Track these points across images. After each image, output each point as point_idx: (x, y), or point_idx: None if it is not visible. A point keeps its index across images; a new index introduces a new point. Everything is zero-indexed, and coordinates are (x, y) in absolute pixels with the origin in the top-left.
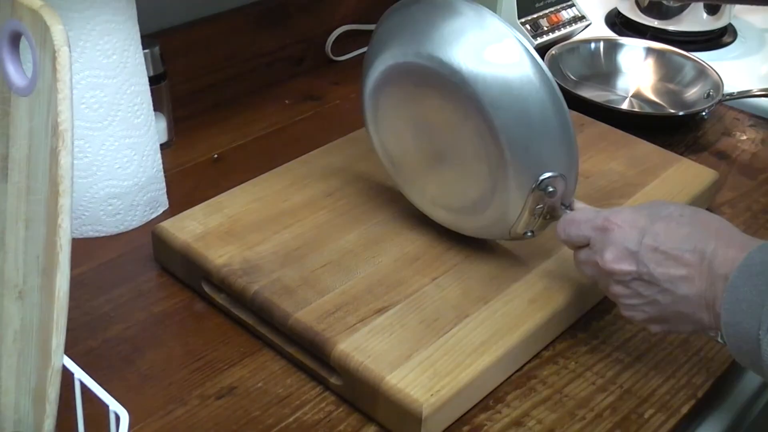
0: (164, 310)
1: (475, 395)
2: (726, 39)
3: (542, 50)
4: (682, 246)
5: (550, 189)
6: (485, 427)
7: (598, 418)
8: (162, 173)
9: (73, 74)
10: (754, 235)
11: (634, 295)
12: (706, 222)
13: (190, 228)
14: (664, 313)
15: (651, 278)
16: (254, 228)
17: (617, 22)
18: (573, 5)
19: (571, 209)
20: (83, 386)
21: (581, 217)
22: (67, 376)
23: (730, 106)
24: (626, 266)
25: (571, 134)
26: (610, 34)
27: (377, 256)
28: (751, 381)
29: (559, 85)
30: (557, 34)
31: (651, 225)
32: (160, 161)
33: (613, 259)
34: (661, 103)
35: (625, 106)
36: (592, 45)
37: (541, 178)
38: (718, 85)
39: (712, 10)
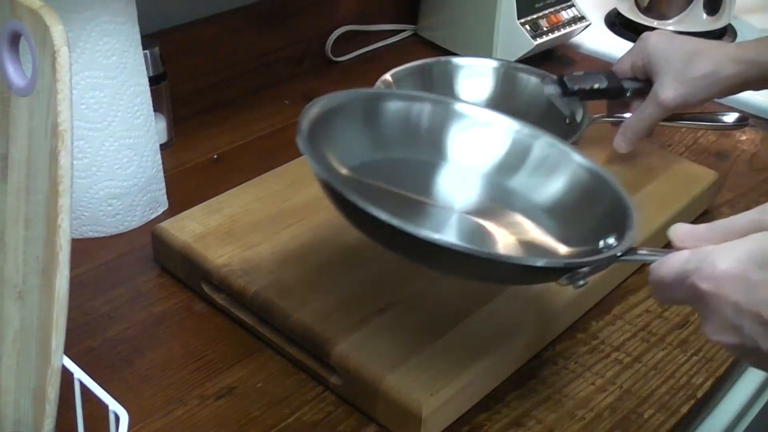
0: (164, 310)
1: (475, 395)
2: (726, 39)
3: (543, 50)
4: None
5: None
6: (485, 427)
7: (598, 419)
8: (162, 173)
9: (72, 75)
10: None
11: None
12: None
13: (189, 228)
14: None
15: (758, 349)
16: (254, 228)
17: (617, 22)
18: (572, 5)
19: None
20: (83, 386)
21: (667, 275)
22: (66, 376)
23: (730, 106)
24: (728, 339)
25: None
26: (609, 34)
27: (377, 256)
28: (751, 381)
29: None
30: (557, 34)
31: (753, 283)
32: (160, 161)
33: (712, 332)
34: None
35: None
36: None
37: None
38: None
39: (712, 10)
